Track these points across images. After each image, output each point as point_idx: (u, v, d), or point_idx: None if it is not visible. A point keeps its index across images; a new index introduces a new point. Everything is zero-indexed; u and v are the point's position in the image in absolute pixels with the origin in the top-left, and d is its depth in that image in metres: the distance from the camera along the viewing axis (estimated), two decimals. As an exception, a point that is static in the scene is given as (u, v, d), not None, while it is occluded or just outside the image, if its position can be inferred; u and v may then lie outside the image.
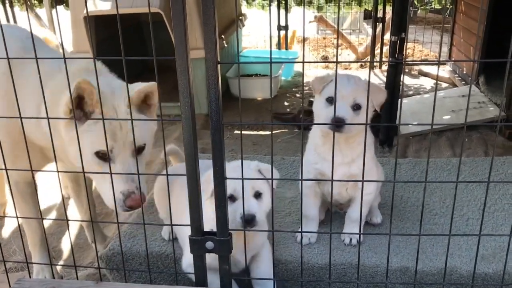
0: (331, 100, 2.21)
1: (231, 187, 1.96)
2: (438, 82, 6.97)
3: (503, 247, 2.37)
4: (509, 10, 5.61)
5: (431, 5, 9.43)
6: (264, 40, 9.21)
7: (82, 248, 3.24)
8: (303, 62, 1.63)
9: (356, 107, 2.20)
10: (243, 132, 5.18)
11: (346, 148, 2.30)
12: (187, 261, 2.14)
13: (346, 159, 2.31)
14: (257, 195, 2.04)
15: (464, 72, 6.43)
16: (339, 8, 7.53)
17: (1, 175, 3.61)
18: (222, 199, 1.86)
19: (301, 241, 2.40)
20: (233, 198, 2.01)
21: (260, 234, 2.21)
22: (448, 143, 4.65)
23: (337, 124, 2.08)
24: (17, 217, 2.13)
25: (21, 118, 1.84)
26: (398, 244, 2.43)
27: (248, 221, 1.95)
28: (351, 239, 2.45)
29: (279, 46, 7.99)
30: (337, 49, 1.57)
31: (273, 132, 5.15)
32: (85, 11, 4.80)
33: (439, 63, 1.61)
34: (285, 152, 4.58)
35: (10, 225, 3.45)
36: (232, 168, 1.95)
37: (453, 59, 6.98)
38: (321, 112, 2.26)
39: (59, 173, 1.97)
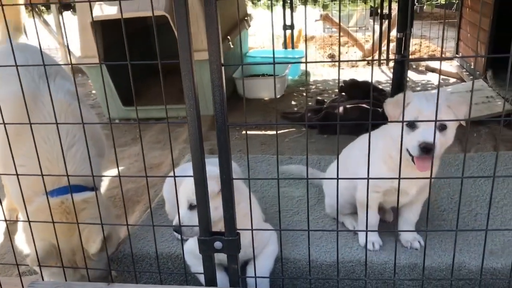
0: (412, 124, 2.03)
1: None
2: (446, 77, 6.94)
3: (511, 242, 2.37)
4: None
5: (437, 0, 9.39)
6: (270, 40, 9.22)
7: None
8: (306, 62, 1.64)
9: (442, 127, 2.05)
10: (251, 132, 5.20)
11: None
12: (188, 247, 2.21)
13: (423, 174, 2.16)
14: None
15: (472, 67, 6.40)
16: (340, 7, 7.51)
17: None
18: (229, 199, 1.88)
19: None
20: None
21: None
22: (456, 138, 4.63)
23: (427, 148, 1.97)
24: (29, 221, 2.16)
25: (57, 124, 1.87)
26: (406, 241, 2.43)
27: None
28: (411, 243, 2.38)
29: (285, 45, 8.00)
30: (338, 50, 1.58)
31: (281, 131, 5.16)
32: (91, 16, 4.86)
33: (441, 59, 1.62)
34: (293, 151, 4.59)
35: (22, 230, 3.49)
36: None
37: (460, 54, 6.94)
38: (403, 138, 1.99)
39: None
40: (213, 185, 1.93)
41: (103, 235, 2.13)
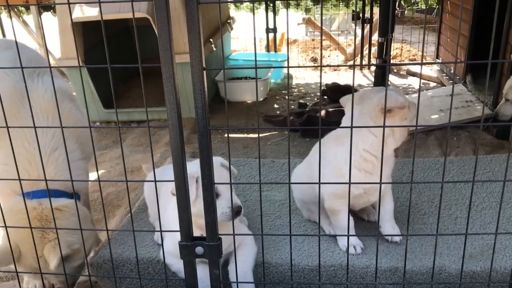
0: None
1: None
2: (427, 81, 7.02)
3: (490, 245, 2.39)
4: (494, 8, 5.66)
5: (418, 5, 9.51)
6: (253, 43, 9.22)
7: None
8: (288, 67, 1.64)
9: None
10: (233, 135, 5.19)
11: (390, 155, 2.24)
12: (166, 249, 2.21)
13: (388, 165, 2.26)
14: None
15: (452, 72, 6.49)
16: (322, 10, 7.55)
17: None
18: (210, 203, 1.87)
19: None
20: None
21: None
22: (436, 142, 4.68)
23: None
24: (5, 227, 2.12)
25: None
26: (388, 245, 2.44)
27: None
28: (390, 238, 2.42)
29: (268, 48, 8.01)
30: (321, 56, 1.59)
31: (263, 134, 5.16)
32: (72, 17, 4.79)
33: (422, 64, 1.63)
34: (275, 154, 4.58)
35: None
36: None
37: (440, 58, 7.03)
38: (398, 131, 2.19)
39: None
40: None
41: (61, 255, 2.09)
